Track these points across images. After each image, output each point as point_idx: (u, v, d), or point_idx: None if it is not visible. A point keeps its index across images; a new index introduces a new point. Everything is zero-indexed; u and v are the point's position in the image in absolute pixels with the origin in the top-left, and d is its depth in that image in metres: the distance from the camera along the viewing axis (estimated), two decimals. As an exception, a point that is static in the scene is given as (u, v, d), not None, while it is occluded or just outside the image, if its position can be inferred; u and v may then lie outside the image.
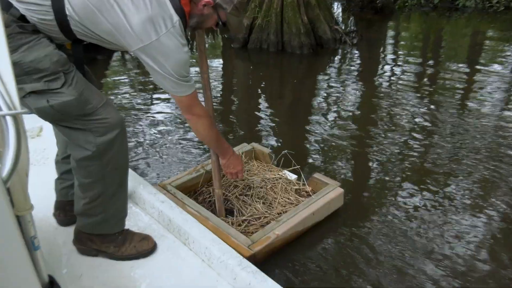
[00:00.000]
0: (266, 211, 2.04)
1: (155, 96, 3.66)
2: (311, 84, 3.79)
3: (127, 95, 3.63)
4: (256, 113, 3.30)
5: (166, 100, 3.53)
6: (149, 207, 1.87)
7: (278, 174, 2.31)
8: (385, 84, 3.64)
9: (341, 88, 3.68)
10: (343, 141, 2.83)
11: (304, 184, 2.24)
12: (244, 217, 2.01)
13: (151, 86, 3.85)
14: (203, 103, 1.62)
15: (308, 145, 2.81)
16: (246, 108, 3.41)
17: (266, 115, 3.25)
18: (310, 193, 2.19)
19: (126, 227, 1.69)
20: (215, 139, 1.71)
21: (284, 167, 2.39)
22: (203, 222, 1.84)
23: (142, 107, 3.43)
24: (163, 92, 3.67)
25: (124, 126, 1.44)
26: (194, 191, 2.23)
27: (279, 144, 2.83)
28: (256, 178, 2.23)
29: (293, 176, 2.31)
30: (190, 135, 2.96)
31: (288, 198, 2.14)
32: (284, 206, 2.10)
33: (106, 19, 1.30)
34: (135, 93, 3.71)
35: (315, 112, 3.29)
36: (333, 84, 3.76)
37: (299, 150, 2.73)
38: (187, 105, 1.52)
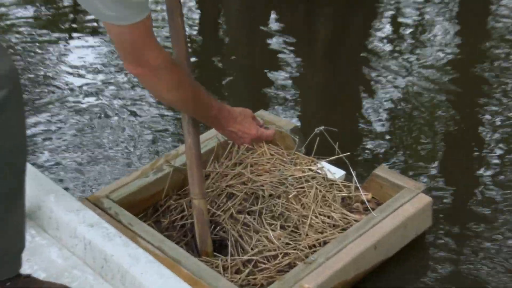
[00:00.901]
0: (287, 243, 1.95)
1: (77, 35, 3.68)
2: (361, 21, 3.77)
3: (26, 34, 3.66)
4: (269, 71, 3.22)
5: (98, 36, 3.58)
6: (67, 237, 1.82)
7: (310, 169, 2.20)
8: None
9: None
10: (421, 114, 2.85)
11: (357, 189, 2.13)
12: (247, 256, 1.93)
13: (67, 25, 3.88)
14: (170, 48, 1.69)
15: (361, 121, 2.82)
16: (250, 62, 3.42)
17: (286, 72, 3.20)
18: (369, 206, 2.06)
19: (26, 271, 1.69)
20: (194, 100, 1.68)
21: (319, 156, 2.23)
22: (171, 267, 1.75)
23: (54, 51, 3.46)
24: (95, 32, 3.67)
25: (18, 85, 1.48)
26: (154, 207, 2.16)
27: (309, 118, 2.86)
28: (267, 179, 2.15)
29: (337, 173, 2.21)
30: (145, 98, 2.98)
31: (328, 216, 2.03)
32: (321, 233, 1.99)
33: None
34: (41, 31, 3.70)
35: (371, 64, 3.22)
36: (403, 20, 3.78)
37: (346, 128, 2.71)
38: (132, 45, 1.48)
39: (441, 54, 3.34)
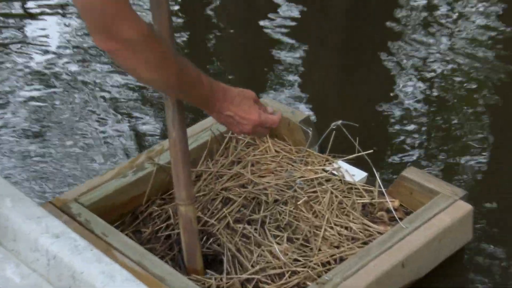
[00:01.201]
0: (295, 259, 1.96)
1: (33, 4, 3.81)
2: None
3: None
4: (273, 49, 3.22)
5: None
6: (26, 250, 1.70)
7: (324, 170, 2.25)
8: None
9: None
10: (462, 103, 2.81)
11: (382, 194, 2.16)
12: (246, 274, 1.93)
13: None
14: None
15: (387, 111, 2.76)
16: (248, 39, 3.40)
17: (294, 51, 3.20)
18: (396, 215, 2.08)
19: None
20: (180, 80, 1.62)
21: (335, 154, 2.27)
22: (153, 287, 1.78)
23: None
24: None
25: None
26: (133, 214, 2.17)
27: (323, 108, 2.89)
28: (271, 181, 2.19)
29: (357, 175, 2.24)
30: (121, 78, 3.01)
31: (345, 227, 2.06)
32: (337, 247, 2.00)
33: None
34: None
35: (398, 38, 3.25)
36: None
37: (368, 121, 2.69)
38: (101, 14, 1.41)
39: (486, 29, 3.33)
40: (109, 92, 2.99)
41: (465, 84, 2.95)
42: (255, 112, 1.80)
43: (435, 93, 2.89)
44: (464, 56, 3.14)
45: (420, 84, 2.97)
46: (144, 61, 1.52)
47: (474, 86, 3.00)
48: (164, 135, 2.70)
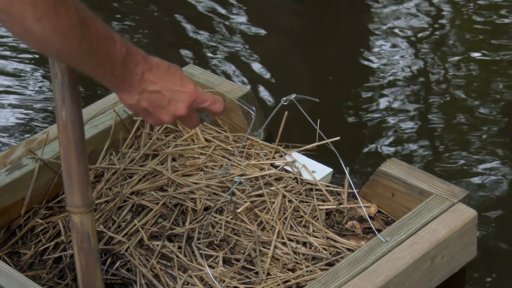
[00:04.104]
0: (235, 287, 2.00)
1: None
2: None
3: None
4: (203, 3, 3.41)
5: None
6: None
7: (273, 165, 2.30)
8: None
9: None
10: (458, 78, 2.95)
11: (354, 197, 2.20)
12: None
13: None
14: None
15: (358, 89, 2.87)
16: None
17: (237, 8, 3.37)
18: (373, 225, 2.09)
19: None
20: (83, 36, 1.62)
21: (289, 144, 2.37)
22: None
23: None
24: None
25: None
26: (7, 229, 2.19)
27: (275, 83, 2.96)
28: (200, 182, 2.22)
29: (320, 172, 2.28)
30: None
31: (304, 243, 2.08)
32: (293, 270, 2.02)
33: None
34: None
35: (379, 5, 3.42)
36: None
37: (335, 99, 2.85)
38: None
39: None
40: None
41: (457, 57, 3.04)
42: (189, 82, 1.80)
43: (421, 63, 2.99)
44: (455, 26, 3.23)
45: (407, 57, 3.06)
46: (31, 6, 1.47)
47: (469, 59, 3.11)
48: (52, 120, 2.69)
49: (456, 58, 3.27)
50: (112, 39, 1.69)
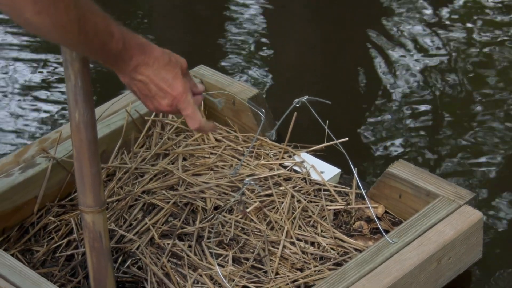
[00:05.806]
0: (244, 286, 1.98)
1: None
2: None
3: None
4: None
5: None
6: None
7: (282, 165, 2.30)
8: None
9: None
10: (467, 80, 2.94)
11: (362, 197, 2.19)
12: None
13: None
14: None
15: (370, 90, 2.86)
16: None
17: (250, 10, 3.32)
18: (381, 226, 2.08)
19: None
20: (81, 27, 1.64)
21: (298, 144, 2.37)
22: None
23: None
24: None
25: None
26: (21, 227, 2.17)
27: (285, 85, 2.97)
28: (210, 181, 2.22)
29: (328, 172, 2.28)
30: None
31: (312, 243, 2.08)
32: (301, 270, 2.01)
33: None
34: None
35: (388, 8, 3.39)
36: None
37: (344, 102, 2.83)
38: None
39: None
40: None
41: (465, 62, 3.00)
42: (179, 85, 1.80)
43: (432, 70, 2.95)
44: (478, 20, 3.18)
45: (418, 60, 3.04)
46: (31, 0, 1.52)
47: (480, 66, 3.08)
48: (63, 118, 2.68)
49: (465, 63, 3.25)
50: (110, 34, 1.71)
